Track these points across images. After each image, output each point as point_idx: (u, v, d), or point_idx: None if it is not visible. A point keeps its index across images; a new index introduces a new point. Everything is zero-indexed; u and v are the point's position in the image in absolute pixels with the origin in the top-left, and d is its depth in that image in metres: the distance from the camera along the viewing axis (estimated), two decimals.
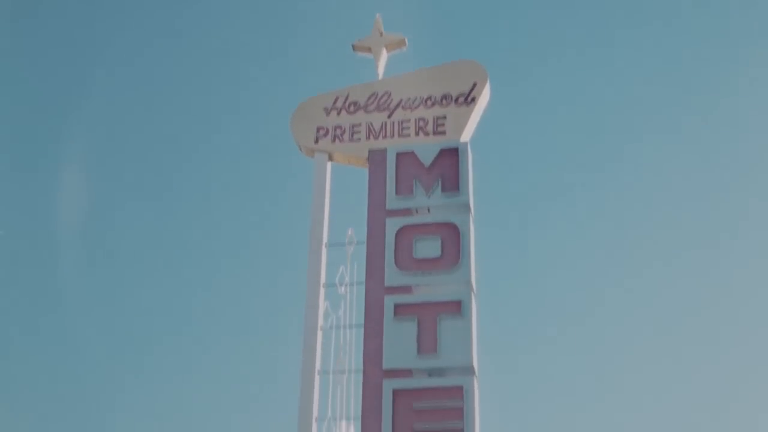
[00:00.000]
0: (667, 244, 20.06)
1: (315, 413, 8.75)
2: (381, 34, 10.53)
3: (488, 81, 9.99)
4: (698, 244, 19.92)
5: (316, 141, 9.99)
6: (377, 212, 9.47)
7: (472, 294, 8.95)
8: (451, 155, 9.56)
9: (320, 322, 9.14)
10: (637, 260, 19.88)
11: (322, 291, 9.27)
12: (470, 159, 9.53)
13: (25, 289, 19.87)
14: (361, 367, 8.85)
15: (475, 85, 9.95)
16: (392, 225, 9.33)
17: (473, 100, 9.88)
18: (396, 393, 8.61)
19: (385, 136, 9.91)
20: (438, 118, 9.88)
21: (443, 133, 9.79)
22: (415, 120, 9.92)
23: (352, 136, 9.97)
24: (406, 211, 9.42)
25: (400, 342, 8.80)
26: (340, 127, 10.02)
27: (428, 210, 9.41)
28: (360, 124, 9.99)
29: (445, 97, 9.93)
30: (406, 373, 8.73)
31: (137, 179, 20.89)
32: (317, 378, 8.89)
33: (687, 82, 20.93)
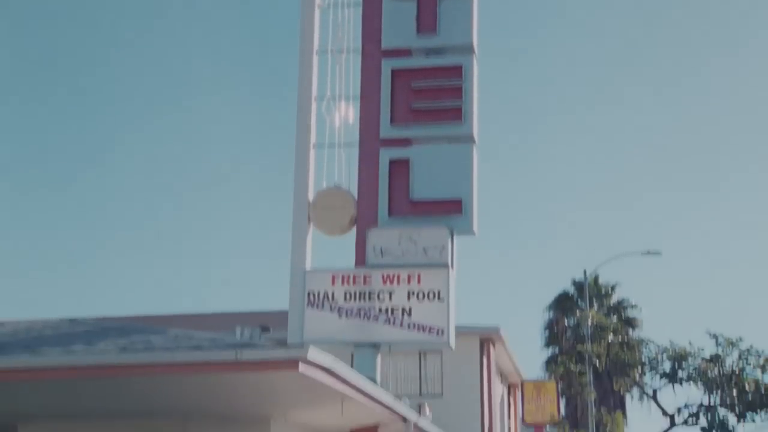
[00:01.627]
0: None
1: (314, 93, 8.78)
2: None
3: None
4: None
5: None
6: None
7: None
8: None
9: None
10: None
11: None
12: None
13: None
14: (360, 46, 8.77)
15: None
16: None
17: None
18: (395, 72, 8.59)
19: None
20: None
21: None
22: None
23: None
24: None
25: (399, 20, 8.66)
26: None
27: None
28: None
29: None
30: (405, 52, 8.66)
31: None
32: (315, 57, 8.82)
33: None
